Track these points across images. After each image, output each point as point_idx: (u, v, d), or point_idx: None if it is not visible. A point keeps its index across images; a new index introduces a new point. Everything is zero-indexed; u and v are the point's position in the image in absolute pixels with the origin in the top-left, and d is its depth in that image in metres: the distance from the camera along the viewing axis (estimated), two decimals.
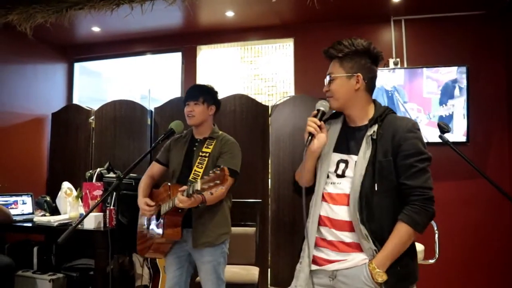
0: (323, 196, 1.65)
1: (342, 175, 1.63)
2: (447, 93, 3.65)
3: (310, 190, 1.77)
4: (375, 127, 1.61)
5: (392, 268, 1.52)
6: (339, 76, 1.64)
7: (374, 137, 1.59)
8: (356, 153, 1.61)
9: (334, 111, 1.78)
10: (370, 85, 1.67)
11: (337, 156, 1.67)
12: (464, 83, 3.62)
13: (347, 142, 1.67)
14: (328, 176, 1.66)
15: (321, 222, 1.64)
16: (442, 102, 3.66)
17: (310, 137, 1.61)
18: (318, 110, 1.65)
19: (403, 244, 1.53)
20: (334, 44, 1.66)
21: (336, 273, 1.60)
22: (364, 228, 1.53)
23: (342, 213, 1.59)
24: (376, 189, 1.54)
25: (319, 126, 1.62)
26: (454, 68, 3.64)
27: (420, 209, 1.53)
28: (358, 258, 1.56)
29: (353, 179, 1.58)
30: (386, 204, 1.56)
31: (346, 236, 1.58)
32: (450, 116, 3.64)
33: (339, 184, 1.63)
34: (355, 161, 1.60)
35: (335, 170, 1.65)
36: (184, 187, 2.15)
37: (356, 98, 1.65)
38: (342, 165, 1.64)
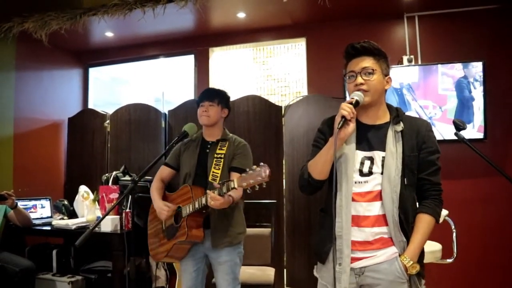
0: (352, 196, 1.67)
1: (369, 173, 1.67)
2: (463, 89, 3.60)
3: (319, 189, 1.78)
4: (401, 124, 1.68)
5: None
6: (378, 72, 1.68)
7: (401, 133, 1.66)
8: (381, 149, 1.67)
9: None
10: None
11: (360, 154, 1.69)
12: (480, 78, 3.56)
13: (368, 140, 1.70)
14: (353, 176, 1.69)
15: (352, 222, 1.66)
16: (458, 98, 3.61)
17: (343, 120, 1.58)
18: (353, 99, 1.64)
19: (428, 235, 1.65)
20: (366, 42, 1.70)
21: (364, 269, 1.65)
22: (399, 221, 1.61)
23: (374, 209, 1.65)
24: (406, 183, 1.63)
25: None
26: (470, 64, 3.58)
27: (439, 202, 1.68)
28: (389, 252, 1.63)
29: (387, 174, 1.63)
30: (411, 196, 1.67)
31: (375, 232, 1.64)
32: (467, 113, 3.59)
33: (366, 182, 1.66)
34: (382, 157, 1.65)
35: (360, 168, 1.68)
36: (216, 185, 2.17)
37: (382, 98, 1.73)
38: (367, 163, 1.68)
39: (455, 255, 2.95)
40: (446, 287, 3.62)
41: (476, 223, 3.63)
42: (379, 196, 1.64)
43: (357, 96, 1.64)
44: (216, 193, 2.15)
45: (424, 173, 1.66)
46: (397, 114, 1.71)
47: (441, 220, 2.84)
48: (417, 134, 1.67)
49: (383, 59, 1.71)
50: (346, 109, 1.58)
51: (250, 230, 3.36)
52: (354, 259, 1.65)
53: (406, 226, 1.63)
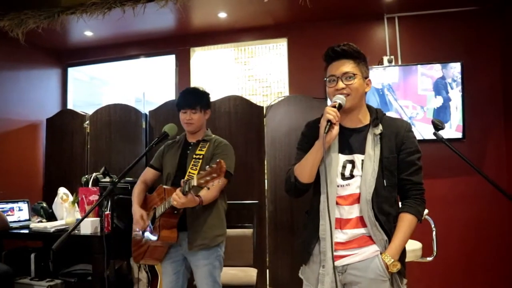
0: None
1: (351, 176, 1.69)
2: (441, 90, 3.65)
3: (306, 191, 1.79)
4: (380, 127, 1.70)
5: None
6: (358, 75, 1.69)
7: (380, 136, 1.69)
8: (361, 152, 1.69)
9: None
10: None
11: (342, 158, 1.71)
12: (458, 79, 3.62)
13: (349, 143, 1.72)
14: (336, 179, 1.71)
15: (335, 225, 1.68)
16: (437, 98, 3.66)
17: (329, 125, 1.60)
18: (336, 102, 1.65)
19: (410, 233, 1.67)
20: (346, 45, 1.70)
21: (346, 267, 1.67)
22: (377, 221, 1.63)
23: (354, 211, 1.67)
24: (385, 184, 1.65)
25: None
26: (448, 65, 3.64)
27: (421, 202, 1.70)
28: (370, 250, 1.65)
29: (364, 177, 1.66)
30: (391, 197, 1.69)
31: (357, 233, 1.67)
32: (446, 113, 3.64)
33: (348, 185, 1.69)
34: (362, 160, 1.68)
35: (342, 172, 1.71)
36: (182, 184, 2.15)
37: (363, 100, 1.74)
38: (349, 166, 1.71)
39: (435, 253, 2.99)
40: (426, 285, 3.67)
41: (455, 221, 3.69)
42: (358, 199, 1.67)
43: (340, 99, 1.65)
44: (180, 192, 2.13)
45: (405, 174, 1.69)
46: (376, 116, 1.73)
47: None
48: (396, 135, 1.69)
49: (363, 62, 1.72)
50: (331, 113, 1.60)
51: (232, 231, 3.36)
52: (336, 257, 1.65)
53: (387, 226, 1.65)
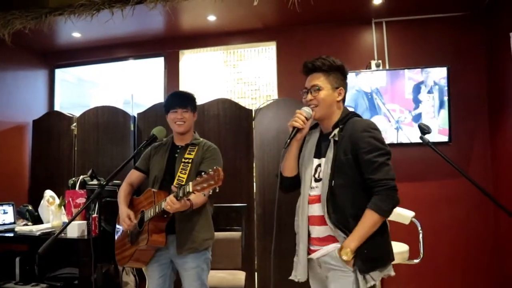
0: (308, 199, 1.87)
1: (320, 179, 1.84)
2: (430, 93, 3.70)
3: (294, 186, 1.98)
4: (336, 131, 1.83)
5: (359, 251, 1.69)
6: (326, 87, 1.85)
7: (336, 139, 1.80)
8: (325, 156, 1.85)
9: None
10: (345, 98, 1.92)
11: (316, 161, 1.89)
12: (445, 83, 3.67)
13: (321, 148, 1.90)
14: (310, 181, 1.89)
15: (309, 222, 1.86)
16: (424, 102, 3.70)
17: (295, 131, 1.83)
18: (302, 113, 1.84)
19: (368, 227, 1.71)
20: (318, 59, 1.87)
21: (319, 260, 1.84)
22: (330, 219, 1.75)
23: (319, 210, 1.81)
24: (336, 183, 1.76)
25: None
26: (435, 69, 3.69)
27: (385, 197, 1.72)
28: (331, 246, 1.79)
29: (323, 179, 1.81)
30: (348, 196, 1.76)
31: (324, 231, 1.81)
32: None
33: (317, 187, 1.85)
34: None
35: (314, 174, 1.88)
36: (174, 189, 2.14)
37: (335, 109, 1.89)
38: (319, 169, 1.87)
39: (421, 256, 3.02)
40: (414, 287, 3.70)
41: (442, 223, 3.73)
42: (319, 198, 1.81)
43: (305, 112, 1.83)
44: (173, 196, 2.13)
45: (366, 173, 1.75)
46: (337, 121, 1.86)
47: (407, 221, 2.94)
48: (349, 136, 1.78)
49: (334, 72, 1.87)
50: (298, 121, 1.81)
51: (220, 234, 3.35)
52: (312, 251, 1.86)
53: (344, 225, 1.73)
